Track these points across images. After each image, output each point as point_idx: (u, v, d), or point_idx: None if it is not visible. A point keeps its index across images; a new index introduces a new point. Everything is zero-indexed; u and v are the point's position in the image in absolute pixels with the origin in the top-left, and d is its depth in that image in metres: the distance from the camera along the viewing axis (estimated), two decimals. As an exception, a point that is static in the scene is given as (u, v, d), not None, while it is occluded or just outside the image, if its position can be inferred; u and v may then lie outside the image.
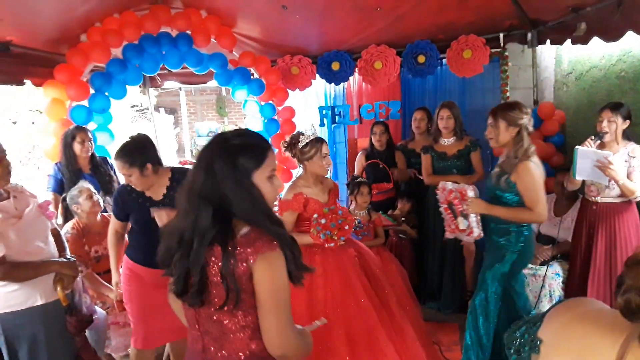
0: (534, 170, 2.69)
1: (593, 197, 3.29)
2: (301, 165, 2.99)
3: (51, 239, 2.48)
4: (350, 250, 2.97)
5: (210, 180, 1.37)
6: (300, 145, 2.90)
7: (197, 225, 1.36)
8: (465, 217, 2.87)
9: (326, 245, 2.83)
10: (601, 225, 3.25)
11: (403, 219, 4.23)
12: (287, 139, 3.03)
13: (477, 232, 2.84)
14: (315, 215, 2.81)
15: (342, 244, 2.87)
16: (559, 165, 4.30)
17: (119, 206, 2.81)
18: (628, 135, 3.19)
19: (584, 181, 3.30)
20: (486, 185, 3.02)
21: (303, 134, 2.93)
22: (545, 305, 3.54)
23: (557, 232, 3.70)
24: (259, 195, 1.41)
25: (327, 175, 3.11)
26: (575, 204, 3.70)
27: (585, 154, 3.07)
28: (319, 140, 2.92)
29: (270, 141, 4.83)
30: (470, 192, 2.84)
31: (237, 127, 1.68)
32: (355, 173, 4.59)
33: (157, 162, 2.72)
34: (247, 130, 1.55)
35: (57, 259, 2.43)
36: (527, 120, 2.74)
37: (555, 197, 3.84)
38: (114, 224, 2.90)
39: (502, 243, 2.87)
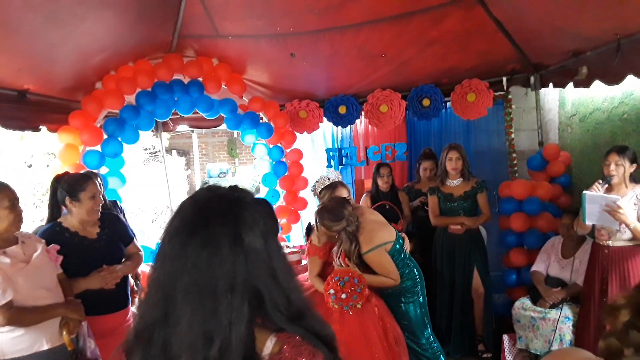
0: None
1: (604, 241, 3.26)
2: None
3: (57, 283, 2.51)
4: (372, 301, 2.94)
5: (243, 263, 0.92)
6: (317, 190, 2.99)
7: (232, 343, 0.88)
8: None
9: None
10: (614, 269, 3.21)
11: None
12: (314, 184, 3.16)
13: None
14: (331, 291, 2.80)
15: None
16: (566, 207, 4.29)
17: None
18: (635, 178, 3.20)
19: (594, 225, 3.29)
20: None
21: (321, 178, 3.02)
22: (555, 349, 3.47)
23: (570, 274, 3.66)
24: (297, 281, 1.02)
25: None
26: (583, 246, 3.67)
27: (594, 198, 3.07)
28: (333, 184, 3.01)
29: (278, 184, 4.91)
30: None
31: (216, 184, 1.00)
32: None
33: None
34: (235, 185, 1.09)
35: (62, 303, 2.45)
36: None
37: (562, 239, 3.81)
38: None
39: None
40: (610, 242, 3.23)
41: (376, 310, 2.92)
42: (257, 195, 1.06)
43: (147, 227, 6.95)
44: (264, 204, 1.03)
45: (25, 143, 7.37)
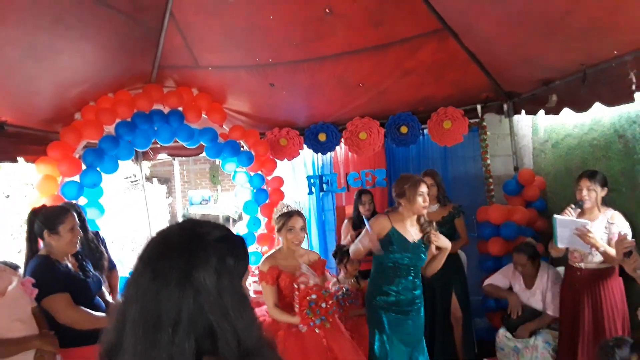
0: None
1: (577, 263, 3.34)
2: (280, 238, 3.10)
3: (31, 316, 2.49)
4: (321, 338, 2.92)
5: (190, 299, 0.91)
6: (274, 217, 3.02)
7: None
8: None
9: (311, 325, 2.83)
10: (586, 290, 3.29)
11: None
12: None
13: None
14: (313, 296, 2.79)
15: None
16: (543, 230, 4.38)
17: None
18: (606, 202, 3.30)
19: (567, 248, 3.36)
20: None
21: (277, 208, 3.06)
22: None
23: (542, 303, 3.71)
24: (256, 319, 1.02)
25: (304, 247, 3.20)
26: (541, 277, 3.72)
27: (564, 222, 3.16)
28: (287, 214, 3.03)
29: (259, 212, 4.91)
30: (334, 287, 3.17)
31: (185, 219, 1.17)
32: (342, 241, 4.64)
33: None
34: (207, 220, 1.10)
35: (37, 335, 2.44)
36: None
37: (521, 272, 3.80)
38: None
39: None
40: (582, 265, 3.30)
41: (324, 342, 2.89)
42: (230, 231, 1.07)
43: (127, 257, 6.85)
44: (229, 243, 1.02)
45: (2, 173, 7.27)
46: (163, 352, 0.88)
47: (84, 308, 2.65)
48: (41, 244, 2.80)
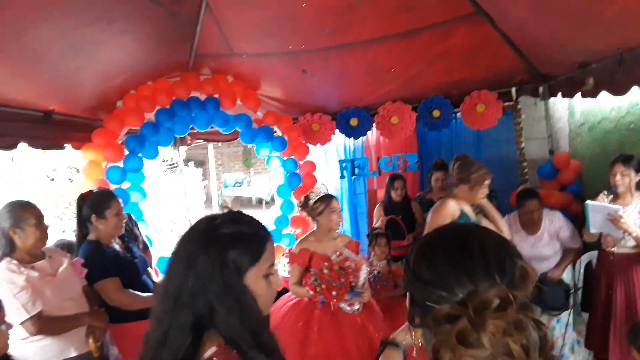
0: None
1: (609, 248, 3.33)
2: (315, 222, 3.20)
3: (82, 294, 2.67)
4: (356, 317, 3.05)
5: (192, 279, 1.08)
6: (311, 202, 3.12)
7: (168, 340, 1.07)
8: (353, 289, 3.00)
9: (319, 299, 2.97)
10: (619, 275, 3.28)
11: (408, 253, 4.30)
12: (302, 199, 3.25)
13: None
14: (312, 280, 2.96)
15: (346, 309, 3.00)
16: (578, 214, 4.34)
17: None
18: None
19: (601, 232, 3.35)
20: None
21: (313, 192, 3.16)
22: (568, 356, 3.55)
23: (551, 247, 3.64)
24: (250, 305, 1.12)
25: (340, 230, 3.32)
26: (545, 218, 3.64)
27: (596, 208, 3.15)
28: (327, 197, 3.16)
29: (292, 195, 5.02)
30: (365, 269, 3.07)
31: (228, 210, 1.39)
32: (373, 224, 4.71)
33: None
34: (240, 214, 1.23)
35: (87, 312, 2.63)
36: None
37: (518, 218, 3.73)
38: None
39: None
40: (615, 249, 3.29)
41: (358, 320, 3.01)
42: (249, 227, 1.18)
43: (165, 238, 7.12)
44: (236, 238, 1.14)
45: (47, 157, 7.62)
46: (167, 316, 1.08)
47: (132, 291, 2.83)
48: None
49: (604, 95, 3.57)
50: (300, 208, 3.28)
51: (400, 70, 4.21)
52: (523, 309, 0.74)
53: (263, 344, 1.11)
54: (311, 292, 2.96)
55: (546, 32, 3.42)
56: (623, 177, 3.20)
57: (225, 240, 1.12)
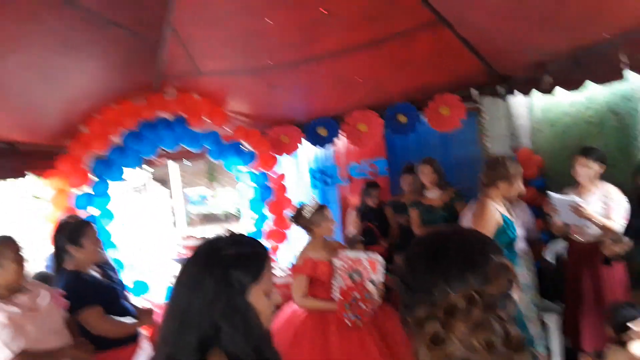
0: None
1: (577, 237, 3.48)
2: (309, 233, 3.27)
3: (64, 326, 2.61)
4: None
5: (198, 300, 1.13)
6: (307, 215, 3.20)
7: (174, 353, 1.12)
8: (374, 283, 3.03)
9: (344, 316, 2.99)
10: (587, 262, 3.44)
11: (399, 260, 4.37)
12: (294, 212, 3.34)
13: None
14: (357, 295, 2.98)
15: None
16: (543, 208, 4.51)
17: None
18: (603, 177, 3.43)
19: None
20: None
21: (305, 206, 3.23)
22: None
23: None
24: (255, 321, 1.18)
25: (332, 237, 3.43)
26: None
27: (557, 200, 3.31)
28: (321, 207, 3.27)
29: (265, 208, 5.01)
30: (380, 265, 3.08)
31: (229, 232, 1.31)
32: (347, 230, 4.76)
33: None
34: (242, 236, 1.31)
35: (72, 345, 2.56)
36: None
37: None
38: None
39: None
40: (580, 238, 3.44)
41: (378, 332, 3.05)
42: (250, 248, 1.25)
43: (135, 260, 6.94)
44: (238, 258, 1.20)
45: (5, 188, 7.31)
46: (172, 338, 1.14)
47: (114, 317, 2.78)
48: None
49: (562, 91, 3.75)
50: (292, 222, 3.35)
51: (366, 78, 4.28)
52: (489, 307, 0.78)
53: (267, 359, 1.19)
54: (348, 322, 2.97)
55: (503, 35, 3.56)
56: (582, 169, 3.37)
57: (229, 260, 1.18)
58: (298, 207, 3.35)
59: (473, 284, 0.84)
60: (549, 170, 4.72)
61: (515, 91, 4.47)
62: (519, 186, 2.99)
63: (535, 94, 4.15)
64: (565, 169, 4.06)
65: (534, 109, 4.89)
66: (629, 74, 2.92)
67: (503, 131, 5.04)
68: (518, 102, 5.04)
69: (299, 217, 3.27)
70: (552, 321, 3.73)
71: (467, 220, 3.93)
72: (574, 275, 3.54)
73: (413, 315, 0.85)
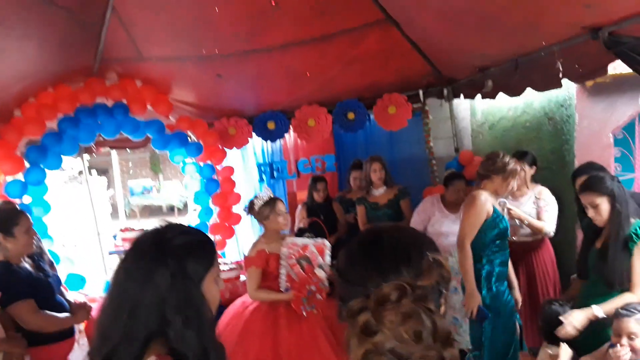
0: None
1: (511, 237, 3.63)
2: (262, 225, 3.27)
3: None
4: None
5: (149, 293, 1.09)
6: (257, 207, 3.17)
7: (117, 355, 1.08)
8: (322, 268, 3.06)
9: (301, 308, 3.00)
10: (521, 261, 3.59)
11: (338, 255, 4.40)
12: (247, 204, 3.31)
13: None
14: (313, 287, 2.99)
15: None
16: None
17: None
18: (535, 179, 3.60)
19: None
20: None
21: (257, 197, 3.21)
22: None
23: None
24: (208, 315, 1.16)
25: (286, 231, 3.39)
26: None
27: None
28: (272, 200, 3.22)
29: (211, 202, 4.92)
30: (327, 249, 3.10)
31: (168, 223, 1.24)
32: (295, 225, 4.75)
33: None
34: (183, 225, 1.28)
35: (4, 338, 2.43)
36: None
37: (439, 199, 4.05)
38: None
39: None
40: (515, 238, 3.60)
41: (325, 321, 3.07)
42: (197, 236, 1.23)
43: (72, 253, 6.65)
44: (190, 248, 1.17)
45: None
46: (117, 332, 1.08)
47: (48, 312, 2.64)
48: None
49: (502, 96, 3.90)
50: (246, 213, 3.33)
51: (315, 73, 4.29)
52: (419, 299, 0.80)
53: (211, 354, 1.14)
54: (304, 313, 2.98)
55: (449, 39, 3.66)
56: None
57: (182, 250, 1.14)
58: (252, 198, 3.32)
59: (406, 277, 0.85)
60: (488, 172, 4.89)
61: (460, 94, 4.62)
62: (512, 185, 2.99)
63: (477, 97, 4.30)
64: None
65: (475, 111, 5.06)
66: (564, 81, 3.08)
67: (447, 133, 5.18)
68: (460, 104, 5.20)
69: (251, 209, 3.25)
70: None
71: (414, 221, 4.02)
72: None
73: (347, 307, 0.85)
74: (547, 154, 3.82)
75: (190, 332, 1.09)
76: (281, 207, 3.23)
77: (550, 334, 2.51)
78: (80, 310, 2.82)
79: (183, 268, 1.12)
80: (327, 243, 3.14)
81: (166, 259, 1.11)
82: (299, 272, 3.01)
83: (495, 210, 2.98)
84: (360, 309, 0.81)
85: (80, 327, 3.58)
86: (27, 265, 2.73)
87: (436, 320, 0.79)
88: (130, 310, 1.08)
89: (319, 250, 3.07)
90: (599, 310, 2.34)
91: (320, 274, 3.01)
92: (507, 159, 2.99)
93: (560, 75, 3.00)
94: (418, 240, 0.97)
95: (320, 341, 2.97)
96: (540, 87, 3.40)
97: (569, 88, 3.51)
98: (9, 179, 3.91)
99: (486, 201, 2.95)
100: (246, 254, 3.29)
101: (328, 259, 3.06)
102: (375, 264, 0.91)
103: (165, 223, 1.26)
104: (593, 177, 2.53)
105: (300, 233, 4.13)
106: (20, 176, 3.97)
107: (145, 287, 1.09)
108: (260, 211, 3.21)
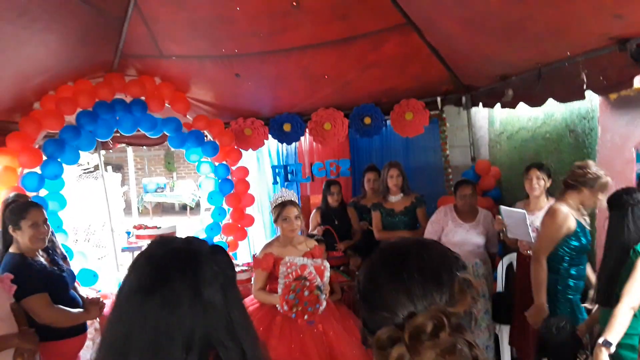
0: None
1: (525, 251, 3.55)
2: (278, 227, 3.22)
3: (10, 313, 2.45)
4: (317, 324, 3.04)
5: (201, 318, 0.95)
6: (270, 209, 3.14)
7: None
8: (321, 290, 2.96)
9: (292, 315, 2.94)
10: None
11: (357, 273, 4.36)
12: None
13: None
14: (293, 287, 2.92)
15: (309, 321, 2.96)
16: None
17: None
18: (551, 193, 3.53)
19: None
20: None
21: (277, 197, 3.19)
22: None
23: (484, 236, 3.84)
24: (255, 331, 1.07)
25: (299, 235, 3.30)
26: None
27: (507, 212, 3.37)
28: (281, 204, 3.13)
29: (224, 202, 4.92)
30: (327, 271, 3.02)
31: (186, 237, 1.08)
32: (310, 230, 4.72)
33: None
34: (177, 237, 1.10)
35: (16, 333, 2.40)
36: None
37: (453, 207, 3.92)
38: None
39: None
40: (530, 252, 3.52)
41: (320, 327, 3.01)
42: (211, 242, 1.09)
43: (85, 248, 6.69)
44: (221, 253, 1.04)
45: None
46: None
47: (62, 307, 2.64)
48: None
49: (521, 106, 3.84)
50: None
51: (333, 76, 4.27)
52: (457, 330, 0.76)
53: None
54: (285, 308, 2.91)
55: (470, 45, 3.61)
56: (539, 181, 3.45)
57: (219, 259, 1.02)
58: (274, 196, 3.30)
59: (439, 304, 0.80)
60: (504, 182, 4.84)
61: (479, 102, 4.57)
62: (599, 200, 2.84)
63: (496, 106, 4.24)
64: (521, 182, 4.14)
65: (493, 121, 4.99)
66: (588, 93, 3.02)
67: (464, 141, 5.13)
68: (478, 113, 5.14)
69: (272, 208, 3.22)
70: (505, 332, 3.80)
71: (428, 232, 3.92)
72: (520, 287, 3.61)
73: (374, 335, 0.81)
74: (567, 167, 3.73)
75: (253, 349, 1.00)
76: (289, 212, 3.09)
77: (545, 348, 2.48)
78: (93, 306, 2.81)
79: (228, 277, 1.02)
80: (326, 264, 3.04)
81: (212, 271, 0.99)
82: (286, 293, 2.94)
83: (578, 224, 2.89)
84: (391, 340, 0.77)
85: (96, 325, 3.60)
86: (42, 259, 2.73)
87: (477, 354, 0.75)
88: (188, 342, 0.92)
89: (318, 272, 2.99)
90: (611, 346, 2.28)
91: (320, 297, 2.94)
92: (599, 170, 2.87)
93: (585, 86, 2.94)
94: (447, 260, 0.89)
95: (309, 352, 2.91)
96: (562, 98, 3.33)
97: (591, 100, 3.43)
98: (26, 171, 3.93)
99: (567, 217, 2.87)
100: (256, 254, 3.27)
101: (327, 280, 3.01)
102: (403, 287, 0.83)
103: (159, 239, 1.07)
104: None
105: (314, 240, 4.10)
106: (37, 169, 3.99)
107: (195, 309, 0.94)
108: (273, 212, 3.20)
